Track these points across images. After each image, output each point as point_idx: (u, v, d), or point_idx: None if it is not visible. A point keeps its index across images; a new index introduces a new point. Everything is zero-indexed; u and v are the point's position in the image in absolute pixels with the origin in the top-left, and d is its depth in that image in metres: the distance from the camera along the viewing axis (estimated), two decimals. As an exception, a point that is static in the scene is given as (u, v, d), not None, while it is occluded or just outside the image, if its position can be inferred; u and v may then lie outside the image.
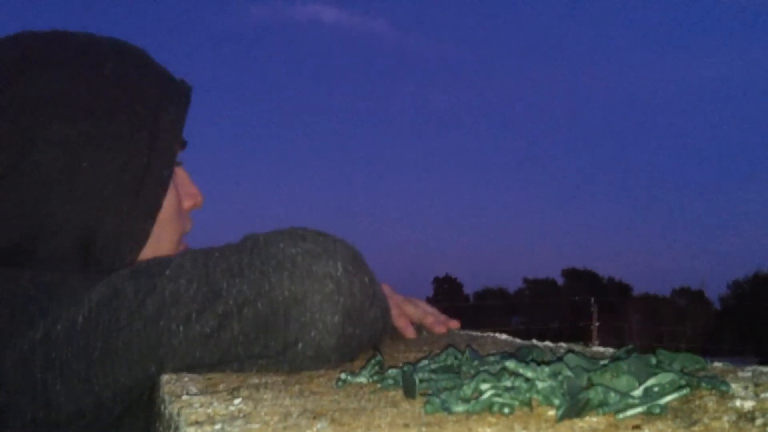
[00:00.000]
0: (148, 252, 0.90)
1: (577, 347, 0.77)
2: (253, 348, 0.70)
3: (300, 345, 0.69)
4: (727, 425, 0.44)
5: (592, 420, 0.46)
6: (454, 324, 1.05)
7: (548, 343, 0.83)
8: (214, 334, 0.69)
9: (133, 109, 0.87)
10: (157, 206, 0.89)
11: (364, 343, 0.74)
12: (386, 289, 1.07)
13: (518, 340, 0.90)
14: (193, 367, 0.70)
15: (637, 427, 0.44)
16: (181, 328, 0.69)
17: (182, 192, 0.97)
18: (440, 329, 1.02)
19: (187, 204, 0.98)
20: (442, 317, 1.05)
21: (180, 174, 0.97)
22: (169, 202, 0.91)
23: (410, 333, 0.99)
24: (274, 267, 0.70)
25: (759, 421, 0.44)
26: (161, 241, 0.92)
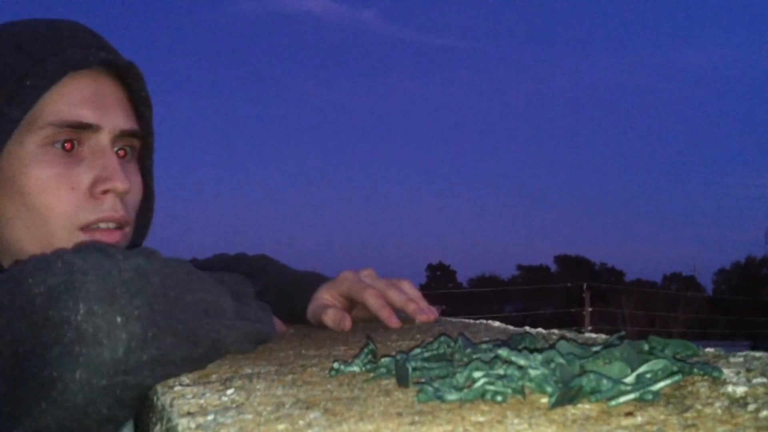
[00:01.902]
0: (36, 230, 0.89)
1: (570, 334, 0.77)
2: (3, 404, 0.63)
3: (43, 404, 0.62)
4: (719, 411, 0.44)
5: (585, 407, 0.46)
6: (433, 314, 1.02)
7: (541, 330, 0.83)
8: None
9: None
10: None
11: (142, 387, 0.65)
12: (369, 273, 1.05)
13: (511, 328, 0.90)
14: None
15: (629, 413, 0.44)
16: None
17: (94, 174, 0.91)
18: (421, 317, 0.99)
19: (100, 187, 0.90)
20: (424, 304, 1.02)
21: (99, 155, 0.91)
22: (39, 179, 0.88)
23: (394, 323, 0.97)
24: (17, 311, 0.63)
25: (751, 407, 0.44)
26: (46, 220, 0.89)
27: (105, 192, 0.91)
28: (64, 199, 0.89)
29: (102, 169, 0.91)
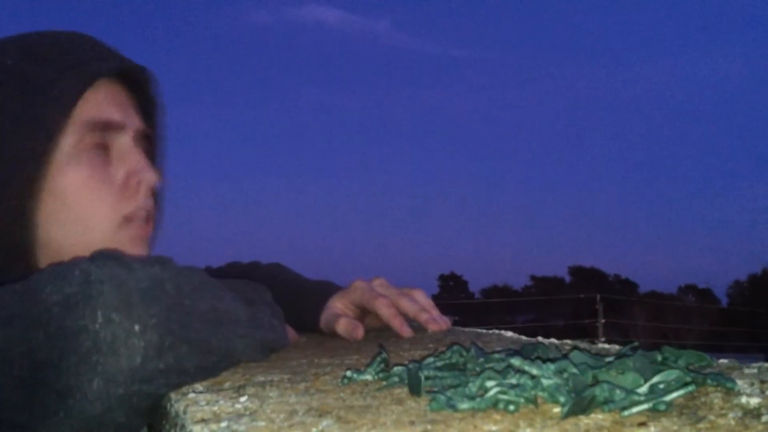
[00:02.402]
0: (75, 229, 0.92)
1: (583, 344, 0.77)
2: (19, 414, 0.64)
3: (60, 413, 0.62)
4: (732, 422, 0.44)
5: (598, 417, 0.46)
6: (445, 323, 1.02)
7: (553, 341, 0.83)
8: None
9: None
10: (25, 181, 0.89)
11: (157, 395, 0.65)
12: (381, 283, 1.05)
13: (524, 338, 0.90)
14: None
15: (642, 424, 0.44)
16: None
17: (125, 170, 0.96)
18: (433, 327, 0.99)
19: (132, 182, 0.96)
20: (436, 313, 1.02)
21: (127, 153, 0.96)
22: (77, 179, 0.91)
23: (406, 332, 0.96)
24: (33, 320, 0.63)
25: (765, 418, 0.44)
26: (86, 218, 0.92)
27: (137, 185, 0.96)
28: (103, 196, 0.93)
29: (132, 165, 0.96)
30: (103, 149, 0.94)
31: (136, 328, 0.62)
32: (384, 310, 0.99)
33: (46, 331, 0.62)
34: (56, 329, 0.62)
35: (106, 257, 0.67)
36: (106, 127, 0.94)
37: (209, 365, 0.69)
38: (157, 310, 0.64)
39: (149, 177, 0.97)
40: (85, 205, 0.92)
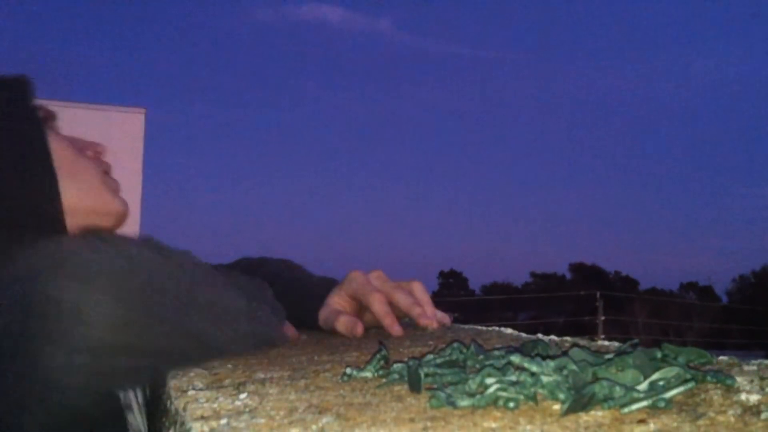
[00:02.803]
0: (81, 184, 0.97)
1: (583, 341, 0.77)
2: None
3: (27, 384, 0.63)
4: (732, 419, 0.44)
5: (597, 414, 0.46)
6: (445, 319, 1.01)
7: (553, 338, 0.83)
8: None
9: None
10: (46, 154, 0.94)
11: (128, 373, 0.66)
12: (379, 275, 1.05)
13: (523, 335, 0.90)
14: None
15: (642, 421, 0.44)
16: None
17: (78, 143, 1.04)
18: (423, 322, 0.98)
19: (90, 150, 1.04)
20: (430, 310, 1.01)
21: (70, 137, 1.06)
22: (63, 144, 0.98)
23: (396, 331, 0.95)
24: (9, 295, 0.65)
25: (764, 415, 0.44)
26: (84, 175, 0.98)
27: (96, 153, 1.05)
28: (79, 158, 1.00)
29: (81, 141, 1.04)
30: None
31: (103, 300, 0.63)
32: (376, 306, 0.98)
33: (20, 303, 0.63)
34: (25, 300, 0.63)
35: (87, 235, 0.68)
36: (49, 116, 1.02)
37: (186, 349, 0.68)
38: (128, 287, 0.65)
39: (103, 147, 1.06)
40: (78, 163, 0.98)
